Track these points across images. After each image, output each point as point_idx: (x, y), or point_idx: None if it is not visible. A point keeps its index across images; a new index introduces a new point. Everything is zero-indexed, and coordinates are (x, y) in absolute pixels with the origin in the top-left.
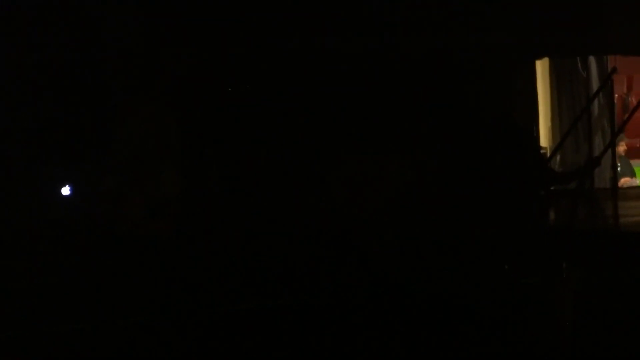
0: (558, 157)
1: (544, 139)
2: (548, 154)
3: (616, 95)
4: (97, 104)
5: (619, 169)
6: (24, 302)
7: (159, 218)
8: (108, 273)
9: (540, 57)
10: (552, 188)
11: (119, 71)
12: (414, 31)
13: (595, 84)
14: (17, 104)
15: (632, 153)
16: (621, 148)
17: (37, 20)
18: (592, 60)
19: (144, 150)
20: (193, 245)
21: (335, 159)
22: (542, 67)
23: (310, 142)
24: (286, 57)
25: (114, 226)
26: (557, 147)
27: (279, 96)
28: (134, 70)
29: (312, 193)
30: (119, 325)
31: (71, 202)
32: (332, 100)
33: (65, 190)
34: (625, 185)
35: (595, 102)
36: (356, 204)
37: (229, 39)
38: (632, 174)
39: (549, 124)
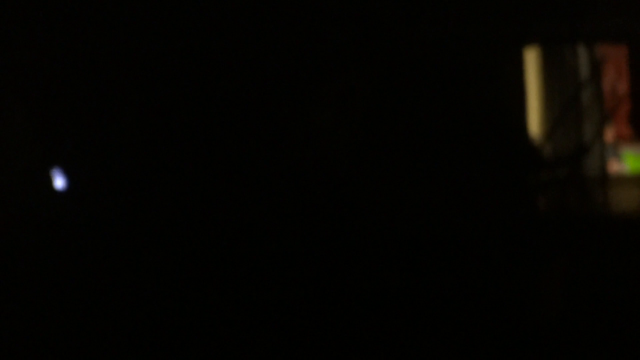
0: (547, 145)
1: (534, 127)
2: (537, 142)
3: (606, 83)
4: None
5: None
6: None
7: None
8: None
9: (529, 45)
10: (541, 175)
11: None
12: (402, 21)
13: (584, 72)
14: None
15: (621, 139)
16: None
17: None
18: (581, 48)
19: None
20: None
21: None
22: (531, 55)
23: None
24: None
25: None
26: (547, 135)
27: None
28: None
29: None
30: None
31: None
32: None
33: None
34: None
35: (585, 90)
36: (331, 193)
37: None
38: (616, 158)
39: (539, 112)
